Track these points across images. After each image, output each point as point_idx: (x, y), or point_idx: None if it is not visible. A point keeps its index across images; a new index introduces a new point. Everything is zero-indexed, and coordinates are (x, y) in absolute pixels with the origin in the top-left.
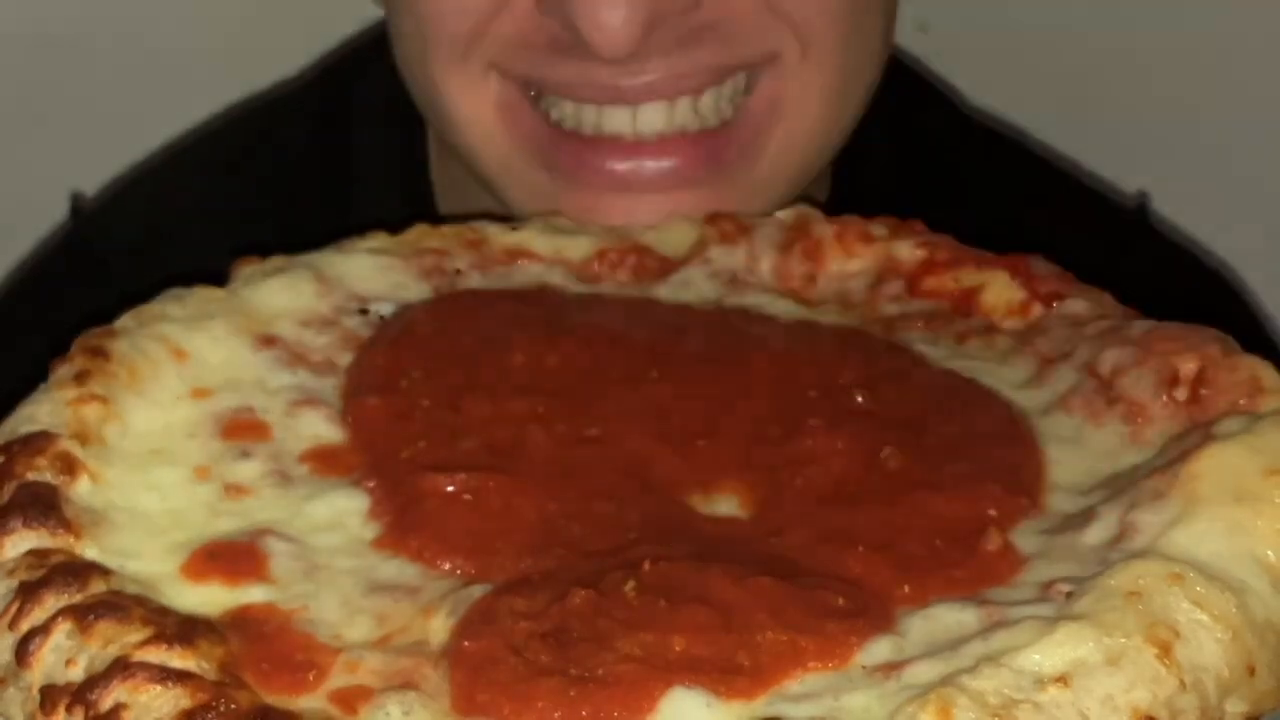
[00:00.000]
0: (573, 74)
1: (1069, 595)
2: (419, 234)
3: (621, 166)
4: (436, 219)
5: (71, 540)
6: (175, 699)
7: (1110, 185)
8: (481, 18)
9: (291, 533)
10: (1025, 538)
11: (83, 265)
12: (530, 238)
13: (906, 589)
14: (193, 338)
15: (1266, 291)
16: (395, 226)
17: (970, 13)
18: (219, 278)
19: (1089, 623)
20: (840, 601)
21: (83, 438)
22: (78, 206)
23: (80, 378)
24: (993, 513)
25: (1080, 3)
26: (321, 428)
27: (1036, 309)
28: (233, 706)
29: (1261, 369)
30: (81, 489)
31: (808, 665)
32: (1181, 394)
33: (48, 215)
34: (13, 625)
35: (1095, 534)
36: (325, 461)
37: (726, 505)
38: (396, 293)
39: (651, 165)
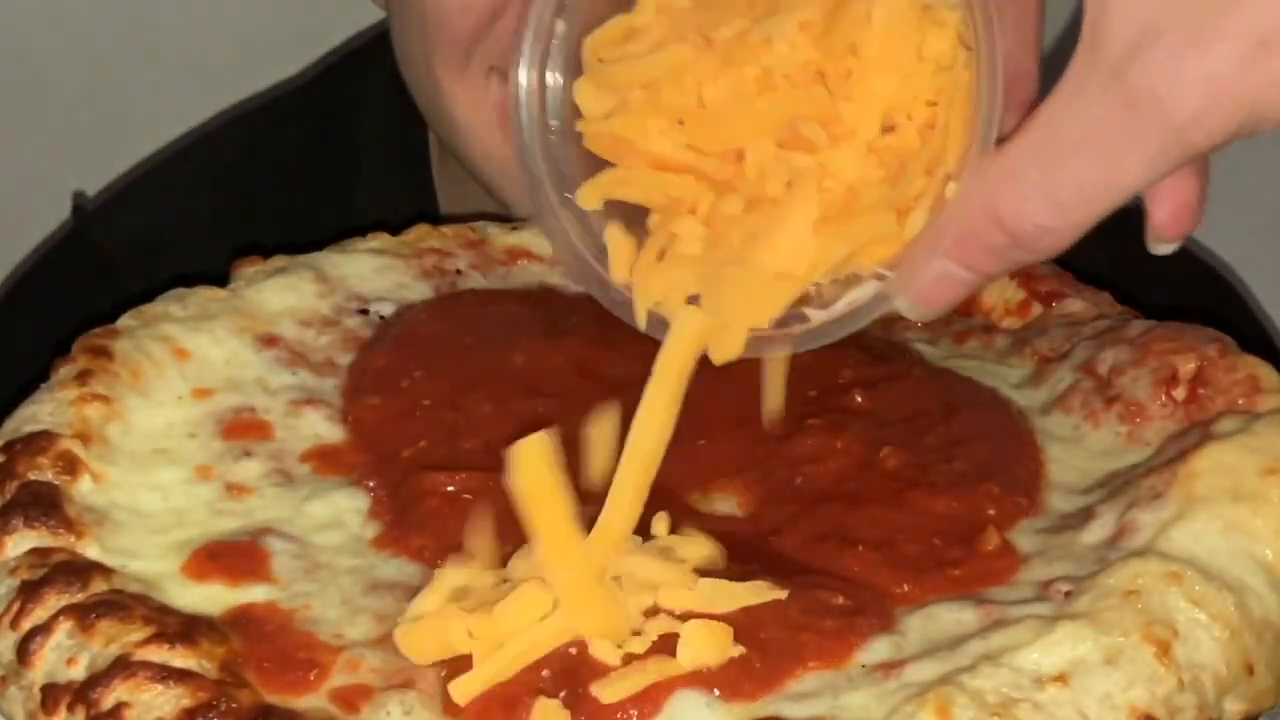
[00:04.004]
0: None
1: (1068, 594)
2: (420, 234)
3: None
4: (437, 219)
5: (73, 539)
6: (177, 698)
7: None
8: (482, 20)
9: (293, 532)
10: (1024, 537)
11: (85, 265)
12: (530, 238)
13: (905, 588)
14: (194, 337)
15: (1266, 291)
16: (396, 226)
17: None
18: (220, 277)
19: (1087, 622)
20: (839, 600)
21: (84, 437)
22: (80, 206)
23: (82, 377)
24: (991, 512)
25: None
26: (322, 427)
27: (1035, 308)
28: (234, 705)
29: (1260, 369)
30: (83, 488)
31: (807, 664)
32: (1180, 394)
33: (50, 215)
34: (14, 624)
35: (1093, 533)
36: (326, 461)
37: (725, 504)
38: (397, 293)
39: None
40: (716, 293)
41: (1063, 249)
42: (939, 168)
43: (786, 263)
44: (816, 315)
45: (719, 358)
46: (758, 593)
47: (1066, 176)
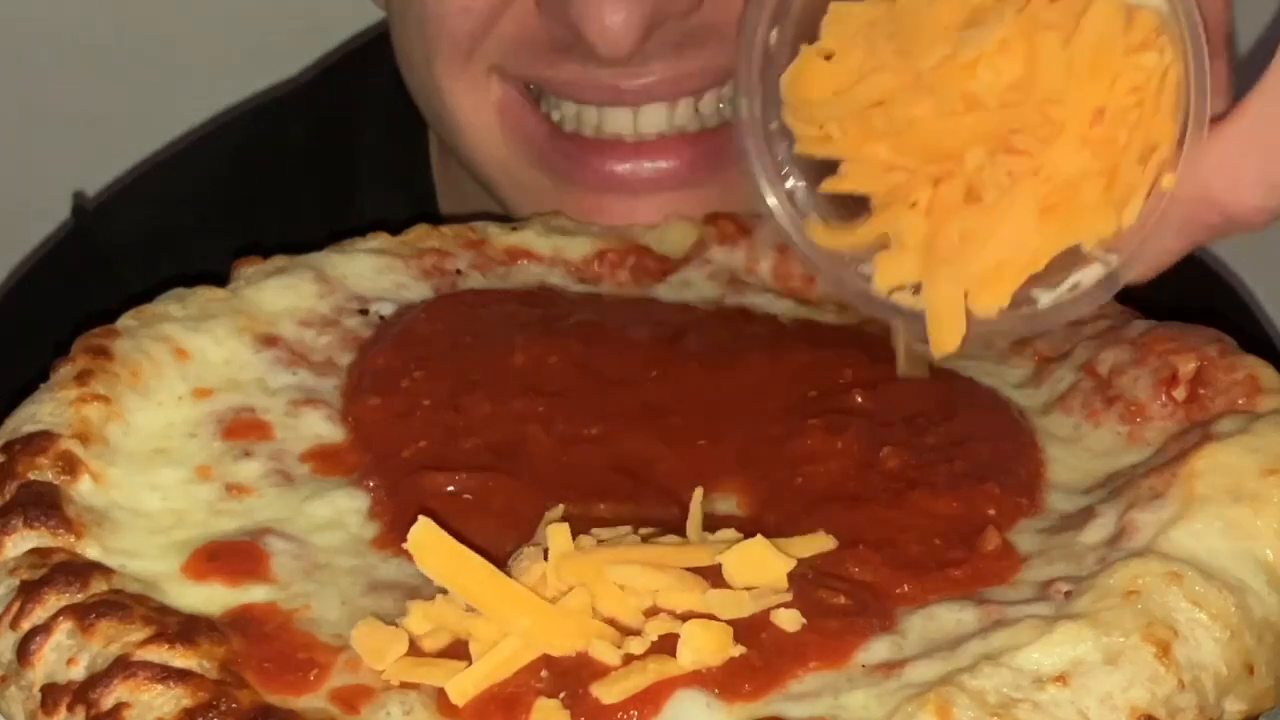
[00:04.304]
0: (574, 75)
1: (1068, 594)
2: (420, 234)
3: (621, 168)
4: (437, 219)
5: (73, 539)
6: (176, 698)
7: None
8: (483, 19)
9: (292, 532)
10: (1024, 537)
11: (85, 265)
12: (530, 238)
13: (906, 588)
14: (194, 337)
15: (1266, 291)
16: (396, 226)
17: None
18: (221, 277)
19: (1088, 622)
20: (841, 600)
21: (84, 437)
22: (80, 206)
23: (82, 377)
24: (991, 512)
25: None
26: (322, 427)
27: None
28: (234, 705)
29: (1260, 369)
30: (83, 488)
31: (808, 664)
32: (1180, 394)
33: (50, 215)
34: (14, 624)
35: (1094, 533)
36: (326, 461)
37: (726, 504)
38: (397, 293)
39: (650, 166)
40: (941, 283)
41: (1270, 225)
42: (1152, 155)
43: (1010, 255)
44: (1043, 296)
45: (940, 349)
46: (763, 600)
47: None
